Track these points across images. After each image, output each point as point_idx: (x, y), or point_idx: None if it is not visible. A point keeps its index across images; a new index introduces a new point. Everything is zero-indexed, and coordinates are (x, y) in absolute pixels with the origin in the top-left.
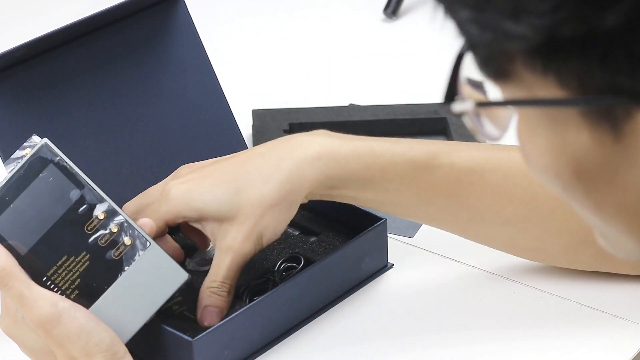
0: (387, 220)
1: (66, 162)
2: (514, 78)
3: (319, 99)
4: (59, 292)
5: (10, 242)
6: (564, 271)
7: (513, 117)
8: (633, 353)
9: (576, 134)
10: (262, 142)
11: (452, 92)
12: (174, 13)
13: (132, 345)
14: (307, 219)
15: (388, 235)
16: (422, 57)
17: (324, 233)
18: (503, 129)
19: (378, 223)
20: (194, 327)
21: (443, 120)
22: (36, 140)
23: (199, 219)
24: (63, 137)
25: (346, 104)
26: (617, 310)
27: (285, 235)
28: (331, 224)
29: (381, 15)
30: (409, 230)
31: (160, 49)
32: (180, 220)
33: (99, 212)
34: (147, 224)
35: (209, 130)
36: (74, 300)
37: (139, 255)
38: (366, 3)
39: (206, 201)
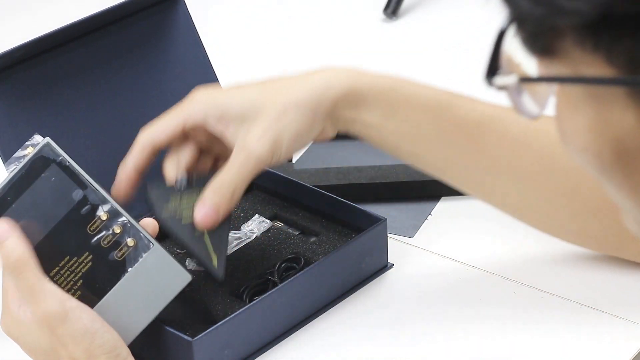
0: (387, 220)
1: (68, 162)
2: (561, 54)
3: None
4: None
5: None
6: (564, 271)
7: (552, 95)
8: (633, 353)
9: (621, 114)
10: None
11: (494, 66)
12: (174, 13)
13: (133, 345)
14: (307, 219)
15: (388, 235)
16: (422, 57)
17: (324, 233)
18: (542, 106)
19: (378, 223)
20: (194, 327)
21: None
22: (38, 140)
23: (221, 119)
24: (63, 136)
25: None
26: (617, 310)
27: (285, 235)
28: (331, 224)
29: (381, 15)
30: (409, 230)
31: (160, 49)
32: (198, 122)
33: (102, 212)
34: (149, 224)
35: None
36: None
37: (142, 256)
38: (366, 3)
39: (232, 99)
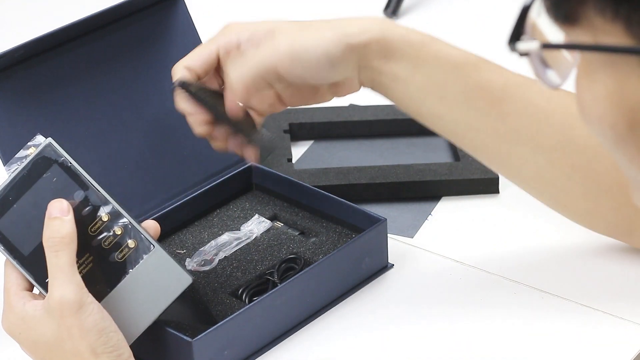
0: (387, 220)
1: (70, 163)
2: (582, 22)
3: None
4: None
5: (13, 242)
6: (564, 271)
7: (574, 66)
8: (633, 353)
9: (636, 84)
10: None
11: (519, 31)
12: (174, 13)
13: (133, 345)
14: (307, 219)
15: (388, 235)
16: None
17: (324, 233)
18: (563, 76)
19: (378, 223)
20: (194, 327)
21: None
22: (40, 140)
23: (250, 39)
24: (63, 136)
25: (346, 104)
26: (617, 311)
27: (285, 236)
28: (331, 224)
29: (381, 15)
30: (409, 230)
31: (160, 48)
32: (233, 43)
33: (103, 213)
34: (151, 226)
35: None
36: None
37: (142, 258)
38: (366, 3)
39: (262, 23)
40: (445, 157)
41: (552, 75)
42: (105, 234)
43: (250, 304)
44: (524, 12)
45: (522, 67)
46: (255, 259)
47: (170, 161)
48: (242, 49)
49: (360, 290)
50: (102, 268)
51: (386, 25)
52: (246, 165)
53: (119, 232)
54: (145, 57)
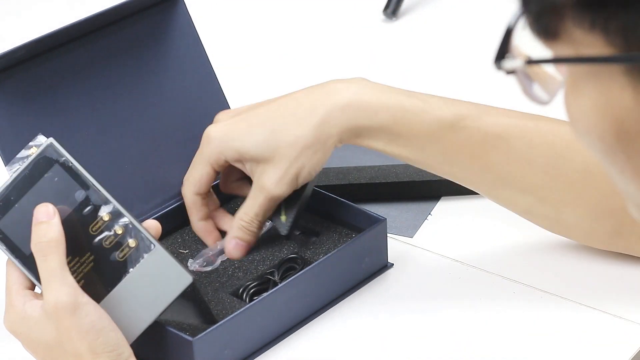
0: (387, 220)
1: (72, 163)
2: (563, 35)
3: None
4: None
5: (14, 241)
6: (564, 271)
7: (561, 84)
8: (633, 353)
9: (619, 93)
10: None
11: (504, 50)
12: (174, 13)
13: (133, 344)
14: (307, 219)
15: (388, 235)
16: (422, 57)
17: (324, 233)
18: (551, 93)
19: (378, 223)
20: (194, 327)
21: None
22: (42, 140)
23: (239, 159)
24: (63, 136)
25: None
26: (617, 310)
27: (285, 236)
28: (331, 224)
29: (381, 15)
30: (409, 230)
31: (160, 49)
32: (222, 162)
33: (104, 213)
34: (152, 226)
35: None
36: None
37: (143, 257)
38: (366, 3)
39: (244, 142)
40: None
41: (539, 93)
42: (106, 233)
43: (251, 304)
44: (508, 32)
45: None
46: (256, 258)
47: (170, 161)
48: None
49: (360, 290)
50: (102, 267)
51: (352, 111)
52: None
53: (120, 232)
54: (146, 57)
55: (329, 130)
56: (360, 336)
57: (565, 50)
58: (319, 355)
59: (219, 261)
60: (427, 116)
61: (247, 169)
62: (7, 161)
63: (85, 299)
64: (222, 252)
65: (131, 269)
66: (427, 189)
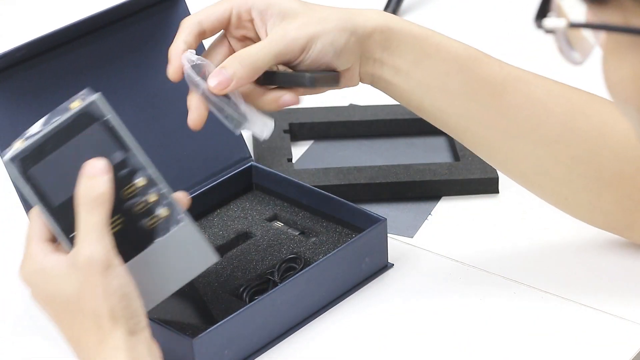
0: (387, 220)
1: (114, 123)
2: (613, 3)
3: (319, 99)
4: None
5: (44, 190)
6: (564, 271)
7: (594, 47)
8: (633, 353)
9: None
10: (262, 143)
11: (545, 9)
12: (175, 13)
13: None
14: (307, 219)
15: (388, 235)
16: None
17: (324, 233)
18: (585, 55)
19: (378, 223)
20: (194, 326)
21: None
22: (88, 94)
23: (264, 11)
24: None
25: (346, 104)
26: (617, 310)
27: (285, 235)
28: (331, 224)
29: None
30: (409, 230)
31: (160, 48)
32: (246, 7)
33: (140, 178)
34: (181, 197)
35: (209, 130)
36: None
37: (171, 229)
38: (366, 3)
39: None
40: (445, 157)
41: (574, 53)
42: (138, 198)
43: (251, 304)
44: None
45: (521, 62)
46: (256, 258)
47: (170, 161)
48: (254, 21)
49: (360, 290)
50: (129, 232)
51: (390, 18)
52: (246, 165)
53: (152, 200)
54: (146, 57)
55: (365, 24)
56: (360, 336)
57: (613, 18)
58: (319, 355)
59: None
60: (456, 43)
61: (269, 26)
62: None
63: (117, 261)
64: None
65: (157, 239)
66: (427, 189)
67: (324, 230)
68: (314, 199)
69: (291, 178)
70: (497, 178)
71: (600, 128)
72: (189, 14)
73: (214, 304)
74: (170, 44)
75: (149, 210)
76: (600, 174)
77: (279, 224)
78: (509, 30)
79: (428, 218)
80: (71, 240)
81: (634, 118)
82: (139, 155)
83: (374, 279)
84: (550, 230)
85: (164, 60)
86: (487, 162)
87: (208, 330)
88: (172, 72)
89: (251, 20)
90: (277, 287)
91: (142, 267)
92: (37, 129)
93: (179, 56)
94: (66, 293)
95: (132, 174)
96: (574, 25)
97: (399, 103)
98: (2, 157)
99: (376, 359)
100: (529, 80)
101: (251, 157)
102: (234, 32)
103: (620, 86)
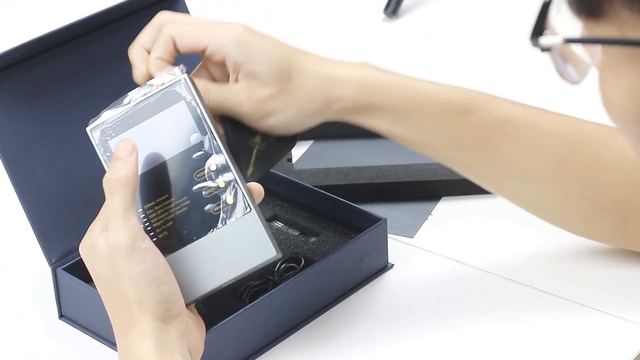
0: (387, 220)
1: (198, 105)
2: (609, 16)
3: None
4: (150, 227)
5: None
6: (564, 271)
7: (591, 65)
8: (634, 354)
9: None
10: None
11: (541, 26)
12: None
13: None
14: (307, 219)
15: (388, 235)
16: (422, 57)
17: (324, 233)
18: (582, 74)
19: (378, 223)
20: None
21: None
22: (177, 72)
23: (238, 66)
24: (63, 136)
25: None
26: (618, 311)
27: (285, 236)
28: (331, 224)
29: (381, 14)
30: (409, 230)
31: None
32: (221, 54)
33: (213, 163)
34: (255, 189)
35: None
36: (159, 241)
37: (236, 218)
38: (366, 2)
39: (260, 55)
40: None
41: (571, 72)
42: (208, 183)
43: (251, 304)
44: (545, 7)
45: (521, 62)
46: None
47: None
48: (227, 66)
49: (360, 290)
50: (194, 215)
51: (365, 85)
52: None
53: (222, 186)
54: None
55: (333, 103)
56: (360, 336)
57: (607, 31)
58: (319, 356)
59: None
60: (439, 97)
61: (236, 76)
62: (7, 161)
63: (146, 244)
64: None
65: (221, 226)
66: (428, 189)
67: (324, 230)
68: (314, 199)
69: (291, 178)
70: None
71: (592, 160)
72: (189, 13)
73: (214, 304)
74: None
75: (217, 197)
76: (594, 204)
77: (279, 224)
78: (508, 30)
79: (428, 218)
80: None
81: (633, 133)
82: (217, 140)
83: (374, 279)
84: (550, 231)
85: None
86: None
87: (208, 331)
88: (140, 76)
89: (223, 64)
90: (277, 287)
91: (199, 252)
92: (128, 100)
93: (142, 60)
94: (103, 274)
95: (207, 157)
96: (569, 41)
97: None
98: (87, 126)
99: (376, 359)
100: (518, 123)
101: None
102: (207, 61)
103: (618, 101)
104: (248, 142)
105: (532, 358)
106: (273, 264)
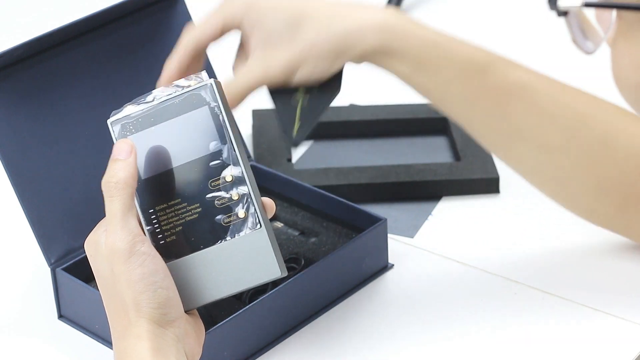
0: (387, 220)
1: (222, 112)
2: None
3: None
4: (159, 230)
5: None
6: (565, 272)
7: (604, 39)
8: (634, 354)
9: None
10: (262, 143)
11: None
12: (174, 12)
13: None
14: (307, 219)
15: (388, 235)
16: None
17: (324, 233)
18: (597, 43)
19: (378, 223)
20: None
21: (443, 120)
22: (204, 77)
23: (253, 27)
24: (63, 136)
25: (346, 104)
26: (618, 311)
27: (285, 236)
28: (331, 224)
29: None
30: (409, 230)
31: (160, 48)
32: (236, 23)
33: (229, 174)
34: (268, 204)
35: None
36: (166, 244)
37: (245, 232)
38: (366, 2)
39: (270, 12)
40: (445, 157)
41: (588, 42)
42: (221, 193)
43: (251, 304)
44: None
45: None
46: None
47: None
48: (242, 32)
49: (360, 290)
50: (203, 224)
51: (390, 26)
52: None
53: (235, 198)
54: (145, 56)
55: (354, 44)
56: (361, 336)
57: None
58: (319, 356)
59: None
60: (459, 53)
61: (255, 40)
62: (6, 162)
63: (145, 248)
64: None
65: (229, 238)
66: (428, 189)
67: (324, 230)
68: (314, 199)
69: (291, 178)
70: (498, 178)
71: (604, 139)
72: (188, 13)
73: (214, 304)
74: (170, 43)
75: (229, 208)
76: (599, 182)
77: (279, 224)
78: (509, 29)
79: (428, 218)
80: (145, 216)
81: None
82: (236, 151)
83: (374, 279)
84: (550, 231)
85: (163, 60)
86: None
87: (208, 331)
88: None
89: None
90: (277, 288)
91: (204, 262)
92: (152, 97)
93: (170, 77)
94: (105, 274)
95: (223, 167)
96: (588, 5)
97: (399, 103)
98: (109, 119)
99: (376, 359)
100: (536, 89)
101: (251, 157)
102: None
103: (631, 71)
104: (290, 102)
105: (532, 358)
106: None
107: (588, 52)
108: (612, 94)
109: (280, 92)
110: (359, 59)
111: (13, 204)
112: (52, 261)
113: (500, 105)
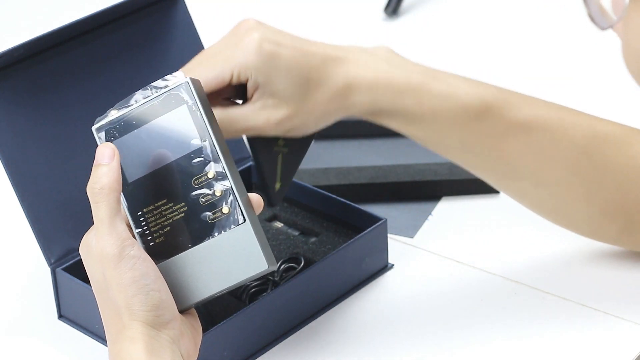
0: (387, 220)
1: (200, 110)
2: None
3: None
4: (148, 232)
5: (122, 165)
6: (564, 272)
7: (616, 22)
8: (634, 354)
9: None
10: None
11: None
12: (174, 12)
13: None
14: (307, 219)
15: (388, 235)
16: (423, 56)
17: (324, 233)
18: (610, 22)
19: (378, 223)
20: None
21: None
22: (180, 76)
23: (262, 83)
24: (62, 135)
25: None
26: (618, 311)
27: (285, 236)
28: (331, 224)
29: (382, 14)
30: (409, 230)
31: (160, 48)
32: (243, 78)
33: (211, 170)
34: (255, 200)
35: None
36: (155, 245)
37: (230, 228)
38: (367, 2)
39: (282, 73)
40: (445, 157)
41: (602, 17)
42: (205, 190)
43: (251, 304)
44: None
45: (520, 61)
46: None
47: None
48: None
49: (360, 290)
50: (190, 222)
51: (378, 92)
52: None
53: (218, 194)
54: (145, 56)
55: (347, 106)
56: (361, 337)
57: None
58: (319, 356)
59: None
60: (453, 102)
61: (259, 92)
62: (6, 161)
63: (134, 251)
64: None
65: (216, 234)
66: (428, 189)
67: (324, 230)
68: (314, 199)
69: None
70: None
71: (604, 164)
72: (188, 13)
73: (214, 304)
74: (170, 43)
75: (213, 205)
76: (603, 207)
77: (279, 224)
78: (508, 30)
79: (428, 218)
80: (135, 219)
81: None
82: (216, 147)
83: (374, 279)
84: (550, 231)
85: (163, 60)
86: None
87: (208, 331)
88: None
89: (245, 81)
90: (277, 287)
91: (194, 260)
92: (133, 100)
93: None
94: (97, 277)
95: (205, 164)
96: None
97: None
98: (92, 126)
99: (376, 359)
100: (531, 129)
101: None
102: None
103: None
104: (273, 149)
105: (533, 358)
106: None
107: (602, 28)
108: (612, 95)
109: (260, 140)
110: (352, 117)
111: (13, 203)
112: (52, 261)
113: (497, 149)
